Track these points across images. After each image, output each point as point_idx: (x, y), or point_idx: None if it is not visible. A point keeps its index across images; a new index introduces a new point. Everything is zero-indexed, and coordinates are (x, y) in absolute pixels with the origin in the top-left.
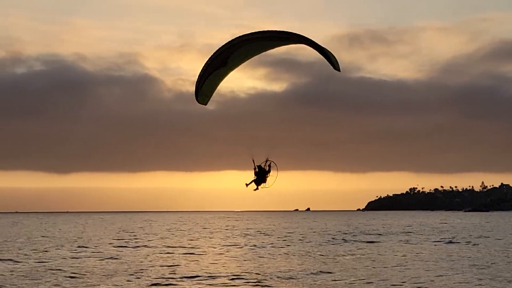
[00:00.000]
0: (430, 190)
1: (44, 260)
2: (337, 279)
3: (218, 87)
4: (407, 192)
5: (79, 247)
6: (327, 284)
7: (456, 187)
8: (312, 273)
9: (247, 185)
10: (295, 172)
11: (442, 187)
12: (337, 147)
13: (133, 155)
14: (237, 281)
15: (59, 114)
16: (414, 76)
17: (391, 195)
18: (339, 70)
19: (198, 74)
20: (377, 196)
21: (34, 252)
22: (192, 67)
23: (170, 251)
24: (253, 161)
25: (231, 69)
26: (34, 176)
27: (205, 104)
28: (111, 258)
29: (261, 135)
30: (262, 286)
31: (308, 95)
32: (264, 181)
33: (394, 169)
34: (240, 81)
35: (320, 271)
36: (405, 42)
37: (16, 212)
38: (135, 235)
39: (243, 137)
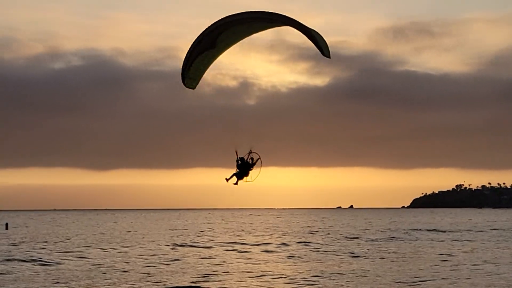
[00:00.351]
0: (477, 187)
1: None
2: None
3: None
4: (453, 189)
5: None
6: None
7: (504, 183)
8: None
9: (227, 179)
10: (338, 169)
11: (489, 183)
12: (381, 143)
13: (172, 152)
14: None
15: (98, 110)
16: (461, 69)
17: (437, 192)
18: (328, 56)
19: (185, 56)
20: (422, 193)
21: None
22: (232, 61)
23: (240, 249)
24: (236, 152)
25: (221, 51)
26: (73, 173)
27: (193, 88)
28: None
29: (302, 130)
30: None
31: (351, 90)
32: (247, 174)
33: (440, 165)
34: (282, 75)
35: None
36: (451, 34)
37: (54, 210)
38: (200, 233)
39: (285, 133)
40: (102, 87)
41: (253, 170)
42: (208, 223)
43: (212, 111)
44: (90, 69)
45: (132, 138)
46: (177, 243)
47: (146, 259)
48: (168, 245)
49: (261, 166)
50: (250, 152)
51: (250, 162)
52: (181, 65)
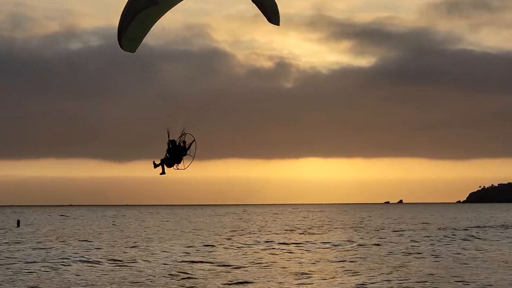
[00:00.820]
0: None
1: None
2: None
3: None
4: None
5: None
6: None
7: None
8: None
9: (155, 165)
10: (385, 160)
11: None
12: (433, 131)
13: (201, 140)
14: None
15: (118, 95)
16: None
17: (496, 185)
18: (277, 23)
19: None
20: (480, 187)
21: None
22: (267, 39)
23: (302, 248)
24: (168, 133)
25: (165, 9)
26: (90, 164)
27: (133, 51)
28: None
29: (344, 116)
30: None
31: (400, 71)
32: (178, 161)
33: (499, 155)
34: (322, 55)
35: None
36: None
37: (70, 205)
38: (256, 230)
39: (326, 120)
40: (122, 70)
41: (187, 156)
42: (265, 220)
43: (245, 95)
44: (109, 50)
45: (156, 126)
46: (259, 241)
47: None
48: (252, 244)
49: (195, 151)
50: (183, 134)
51: (183, 146)
52: (208, 44)
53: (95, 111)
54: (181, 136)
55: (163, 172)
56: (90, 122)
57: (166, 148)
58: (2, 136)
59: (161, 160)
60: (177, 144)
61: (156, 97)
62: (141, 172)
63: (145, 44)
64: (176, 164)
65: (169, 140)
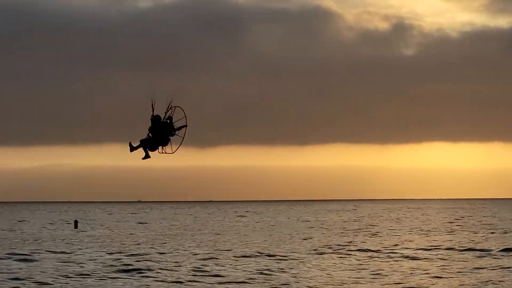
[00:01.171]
0: None
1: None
2: None
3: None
4: None
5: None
6: None
7: None
8: None
9: (132, 148)
10: None
11: None
12: None
13: (300, 121)
14: None
15: (197, 64)
16: None
17: None
18: None
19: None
20: None
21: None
22: None
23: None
24: (152, 106)
25: None
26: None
27: None
28: None
29: (478, 90)
30: None
31: None
32: (165, 143)
33: None
34: (452, 15)
35: None
36: None
37: (139, 201)
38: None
39: (455, 94)
40: (203, 33)
41: (175, 135)
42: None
43: (354, 64)
44: (186, 8)
45: (245, 102)
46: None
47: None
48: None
49: (185, 130)
50: (170, 107)
51: (169, 123)
52: (309, 1)
53: (169, 84)
54: (167, 110)
55: (146, 156)
56: (165, 97)
57: (149, 126)
58: (59, 116)
59: (141, 141)
60: (163, 120)
61: (247, 66)
62: (228, 160)
63: (231, 1)
64: (161, 147)
65: (152, 115)
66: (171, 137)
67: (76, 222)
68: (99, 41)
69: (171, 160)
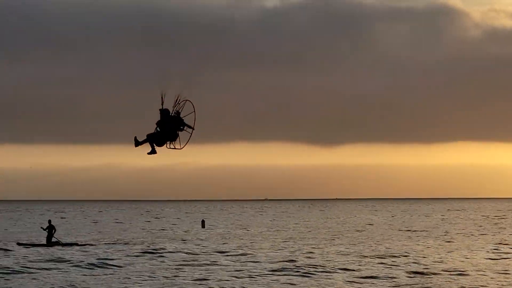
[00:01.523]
0: None
1: None
2: None
3: None
4: None
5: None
6: None
7: None
8: None
9: (137, 143)
10: None
11: None
12: None
13: (427, 118)
14: None
15: (323, 63)
16: None
17: None
18: None
19: None
20: None
21: None
22: None
23: None
24: (162, 99)
25: None
26: (291, 149)
27: None
28: None
29: None
30: None
31: None
32: (173, 138)
33: None
34: None
35: None
36: None
37: (265, 199)
38: None
39: None
40: (327, 31)
41: (184, 131)
42: None
43: (481, 62)
44: (313, 7)
45: (371, 101)
46: None
47: None
48: None
49: (194, 124)
50: (178, 101)
51: (178, 116)
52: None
53: (294, 82)
54: (175, 103)
55: (152, 151)
56: (288, 97)
57: (158, 120)
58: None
59: (148, 136)
60: (172, 114)
61: (372, 64)
62: (355, 158)
63: (358, 0)
64: (169, 143)
65: (161, 109)
66: (180, 131)
67: (203, 221)
68: (223, 40)
69: (296, 158)
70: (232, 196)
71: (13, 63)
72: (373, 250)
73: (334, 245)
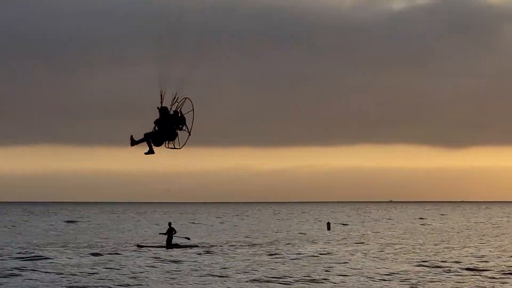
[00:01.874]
0: None
1: None
2: None
3: None
4: None
5: None
6: None
7: None
8: None
9: (133, 142)
10: None
11: None
12: None
13: None
14: None
15: (445, 66)
16: None
17: None
18: None
19: None
20: None
21: None
22: None
23: None
24: (161, 97)
25: None
26: (416, 151)
27: None
28: None
29: None
30: None
31: None
32: (172, 137)
33: None
34: None
35: None
36: None
37: (390, 202)
38: None
39: None
40: (456, 34)
41: (182, 130)
42: None
43: None
44: (439, 8)
45: (500, 103)
46: None
47: None
48: None
49: (192, 123)
50: (176, 99)
51: (179, 115)
52: None
53: (419, 84)
54: (174, 101)
55: (150, 151)
56: (415, 98)
57: (156, 118)
58: (320, 118)
59: (145, 135)
60: (170, 112)
61: (500, 68)
62: (481, 161)
63: (486, 1)
64: (168, 142)
65: (160, 107)
66: (179, 131)
67: (328, 224)
68: (350, 40)
69: (420, 160)
70: (356, 198)
71: None
72: None
73: None
